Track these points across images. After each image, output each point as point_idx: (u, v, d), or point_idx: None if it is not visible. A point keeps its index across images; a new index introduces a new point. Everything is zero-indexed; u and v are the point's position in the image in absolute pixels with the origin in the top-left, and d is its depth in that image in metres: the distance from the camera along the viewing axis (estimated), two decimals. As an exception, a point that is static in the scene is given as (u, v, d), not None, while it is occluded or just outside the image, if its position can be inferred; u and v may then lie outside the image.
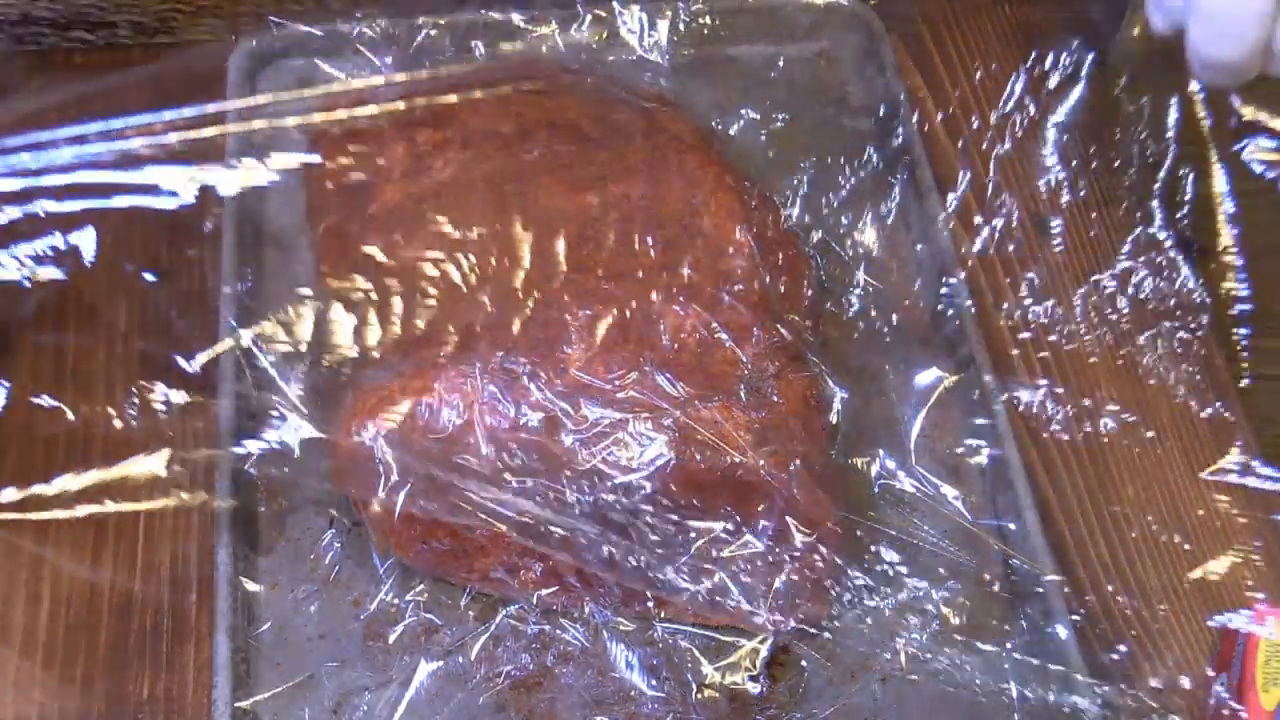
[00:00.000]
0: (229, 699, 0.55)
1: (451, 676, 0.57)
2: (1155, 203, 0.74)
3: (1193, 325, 0.71)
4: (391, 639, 0.58)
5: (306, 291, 0.60)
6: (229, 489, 0.59)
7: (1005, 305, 0.71)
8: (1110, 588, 0.63)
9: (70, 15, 0.72)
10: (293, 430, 0.60)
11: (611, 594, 0.58)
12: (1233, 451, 0.68)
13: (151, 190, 0.59)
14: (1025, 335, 0.70)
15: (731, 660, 0.58)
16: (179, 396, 0.63)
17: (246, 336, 0.60)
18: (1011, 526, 0.62)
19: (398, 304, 0.61)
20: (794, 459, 0.57)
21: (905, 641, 0.59)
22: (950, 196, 0.72)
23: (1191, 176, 0.69)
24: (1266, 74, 0.50)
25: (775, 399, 0.59)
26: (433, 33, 0.72)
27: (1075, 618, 0.59)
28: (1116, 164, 0.75)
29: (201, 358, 0.59)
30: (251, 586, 0.59)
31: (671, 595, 0.58)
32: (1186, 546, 0.65)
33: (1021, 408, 0.67)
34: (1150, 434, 0.68)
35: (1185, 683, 0.61)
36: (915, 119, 0.73)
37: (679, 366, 0.58)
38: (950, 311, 0.67)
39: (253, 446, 0.61)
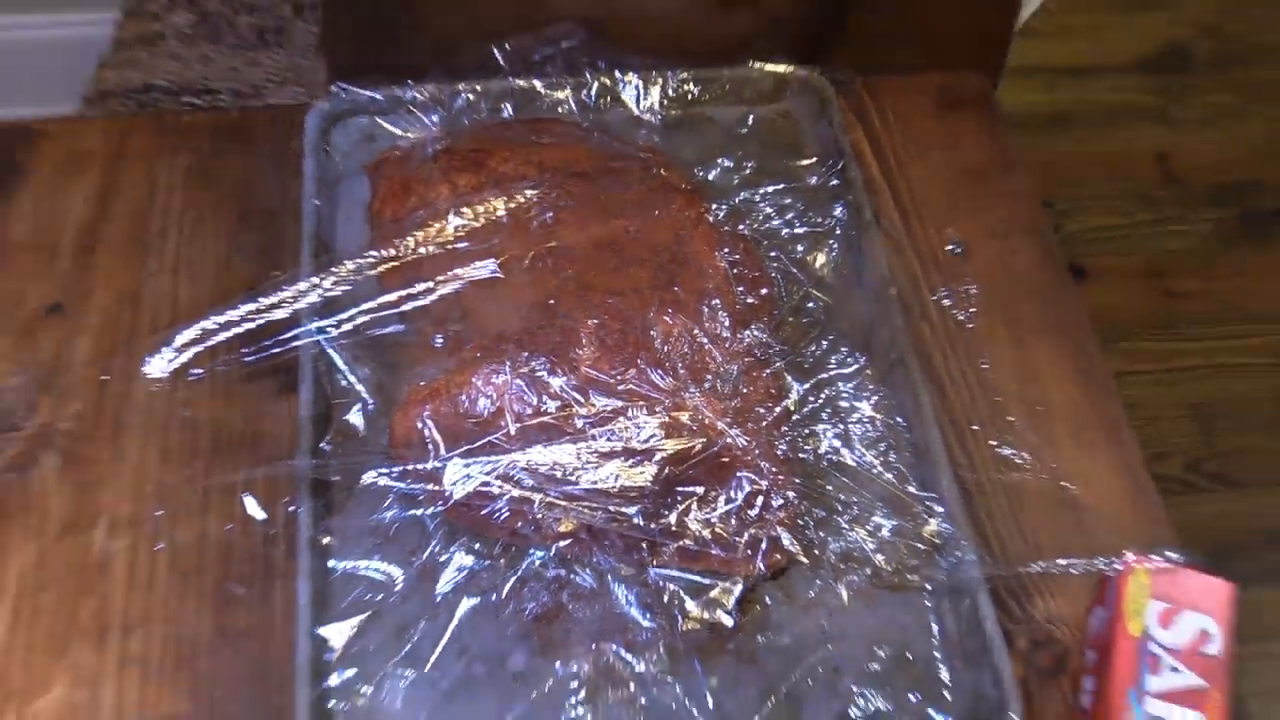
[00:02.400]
0: (309, 628, 0.59)
1: (486, 610, 0.60)
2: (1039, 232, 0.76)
3: (1079, 328, 0.75)
4: (439, 580, 0.61)
5: (371, 305, 0.64)
6: (309, 462, 0.62)
7: (928, 318, 0.74)
8: (1013, 543, 0.66)
9: (182, 84, 0.74)
10: (360, 415, 0.65)
11: (615, 546, 0.60)
12: (1112, 432, 0.71)
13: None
14: (945, 342, 0.73)
15: (710, 598, 0.61)
16: (270, 389, 0.67)
17: (324, 339, 0.64)
18: (933, 494, 0.64)
19: (446, 315, 0.63)
20: (760, 437, 0.61)
21: (848, 583, 0.63)
22: (884, 229, 0.75)
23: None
24: None
25: (745, 390, 0.62)
26: (470, 97, 0.75)
27: (984, 565, 0.62)
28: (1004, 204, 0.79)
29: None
30: (326, 540, 0.62)
31: (662, 547, 0.60)
32: (1074, 509, 0.67)
33: (942, 400, 0.70)
34: (1047, 418, 0.70)
35: (1070, 614, 0.65)
36: (856, 165, 0.76)
37: (668, 364, 0.61)
38: (884, 323, 0.70)
39: (328, 428, 0.65)
